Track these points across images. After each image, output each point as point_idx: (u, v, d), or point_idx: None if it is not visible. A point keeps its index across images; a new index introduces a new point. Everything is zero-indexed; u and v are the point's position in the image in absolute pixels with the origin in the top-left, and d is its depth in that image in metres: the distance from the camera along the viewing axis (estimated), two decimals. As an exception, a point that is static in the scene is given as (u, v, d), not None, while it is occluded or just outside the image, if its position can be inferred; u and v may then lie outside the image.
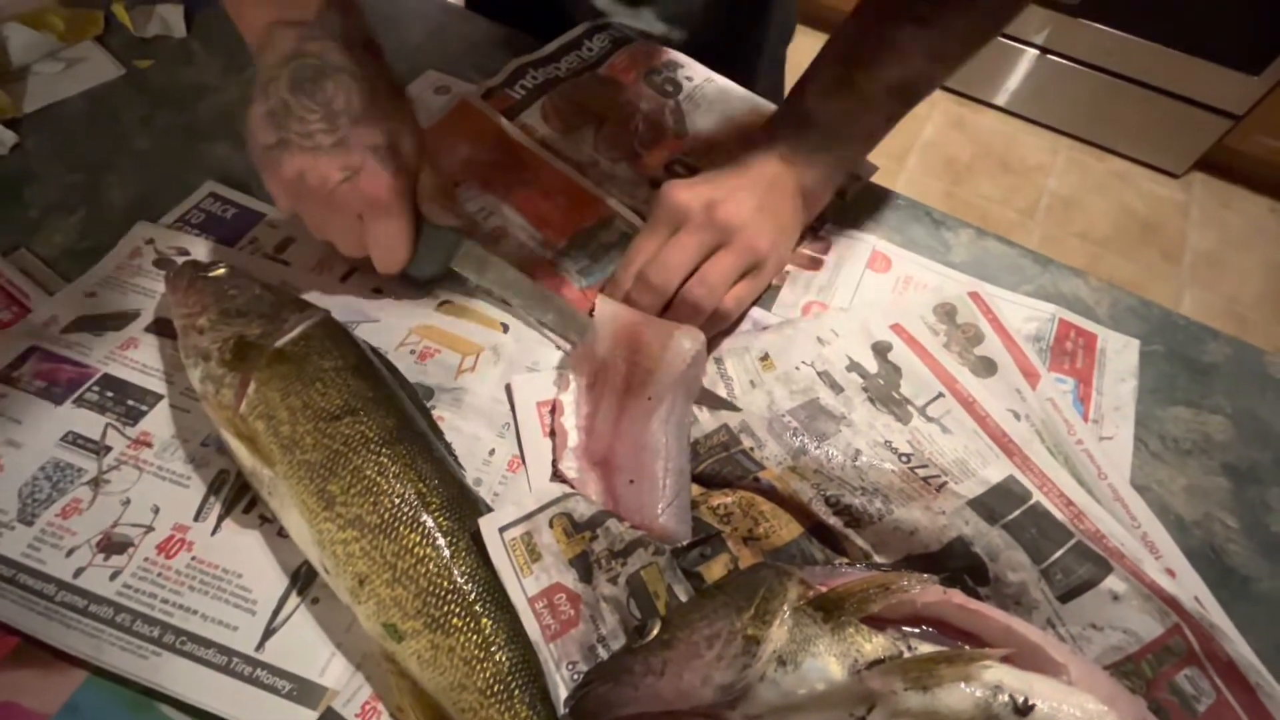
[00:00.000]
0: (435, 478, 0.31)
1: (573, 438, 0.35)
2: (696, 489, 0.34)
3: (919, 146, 1.85)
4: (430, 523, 0.30)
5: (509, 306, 0.40)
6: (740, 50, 0.58)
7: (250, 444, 0.31)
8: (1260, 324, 1.58)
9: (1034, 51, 1.75)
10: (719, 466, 0.34)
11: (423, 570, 0.29)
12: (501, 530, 0.30)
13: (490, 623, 0.28)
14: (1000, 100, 1.89)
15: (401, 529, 0.29)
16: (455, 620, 0.28)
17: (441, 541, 0.29)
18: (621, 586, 0.31)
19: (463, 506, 0.31)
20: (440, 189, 0.38)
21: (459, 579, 0.29)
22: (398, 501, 0.30)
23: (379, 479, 0.30)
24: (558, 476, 0.35)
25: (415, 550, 0.29)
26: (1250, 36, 1.51)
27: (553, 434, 0.36)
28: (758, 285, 0.39)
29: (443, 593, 0.28)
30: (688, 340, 0.35)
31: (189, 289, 0.35)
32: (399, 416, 0.32)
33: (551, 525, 0.31)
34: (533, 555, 0.31)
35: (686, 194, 0.37)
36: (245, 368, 0.32)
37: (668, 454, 0.33)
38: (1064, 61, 1.73)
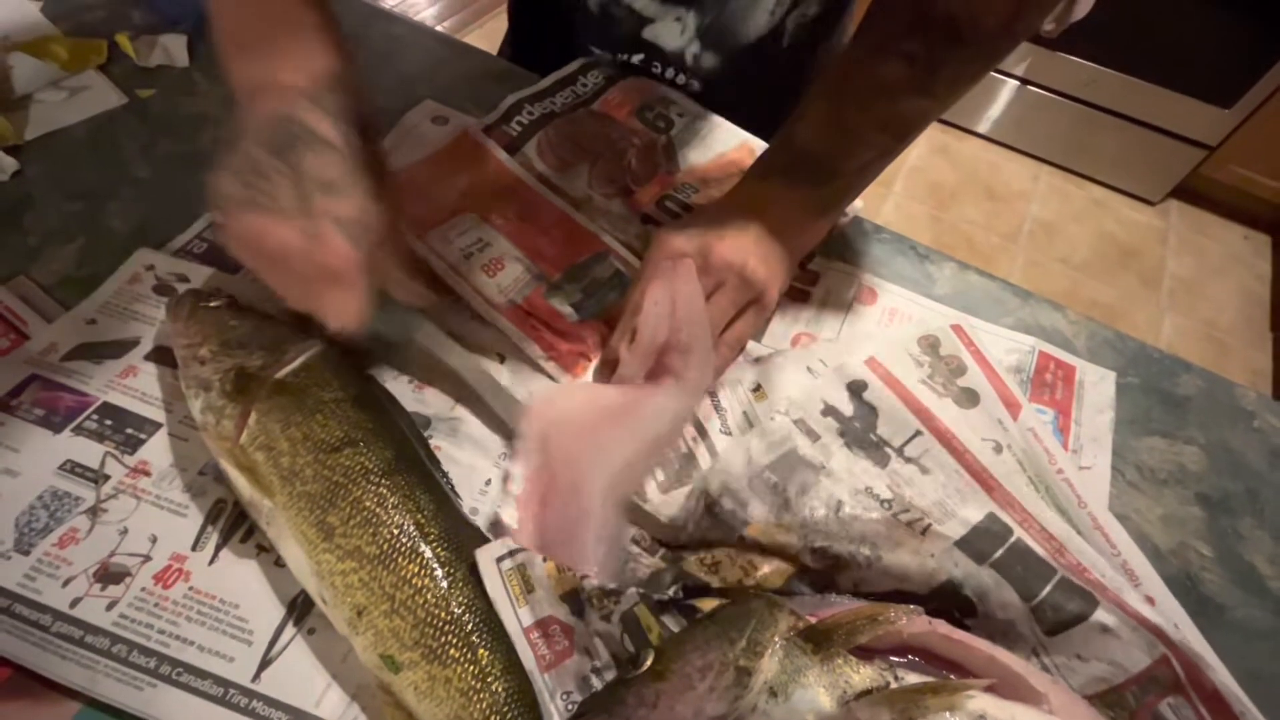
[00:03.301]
0: (433, 508, 0.31)
1: (517, 485, 0.36)
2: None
3: (905, 172, 1.89)
4: (428, 553, 0.30)
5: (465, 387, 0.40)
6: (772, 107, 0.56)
7: (250, 475, 0.31)
8: (1238, 349, 1.62)
9: (1015, 82, 1.80)
10: (703, 534, 0.35)
11: (420, 601, 0.29)
12: (498, 560, 0.31)
13: (487, 653, 0.29)
14: (983, 128, 1.94)
15: (400, 560, 0.30)
16: (453, 651, 0.28)
17: (439, 572, 0.30)
18: (615, 624, 0.31)
19: (460, 537, 0.31)
20: (408, 267, 0.37)
21: (456, 610, 0.29)
22: (396, 533, 0.30)
23: (378, 510, 0.30)
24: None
25: (413, 581, 0.29)
26: (1222, 70, 1.57)
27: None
28: (757, 320, 0.40)
29: (440, 623, 0.29)
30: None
31: (190, 319, 0.36)
32: (398, 448, 0.33)
33: (545, 559, 0.32)
34: (527, 586, 0.31)
35: (680, 240, 0.38)
36: (246, 399, 0.33)
37: (601, 523, 0.33)
38: (1044, 92, 1.79)
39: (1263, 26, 1.47)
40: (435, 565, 0.30)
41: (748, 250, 0.38)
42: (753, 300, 0.39)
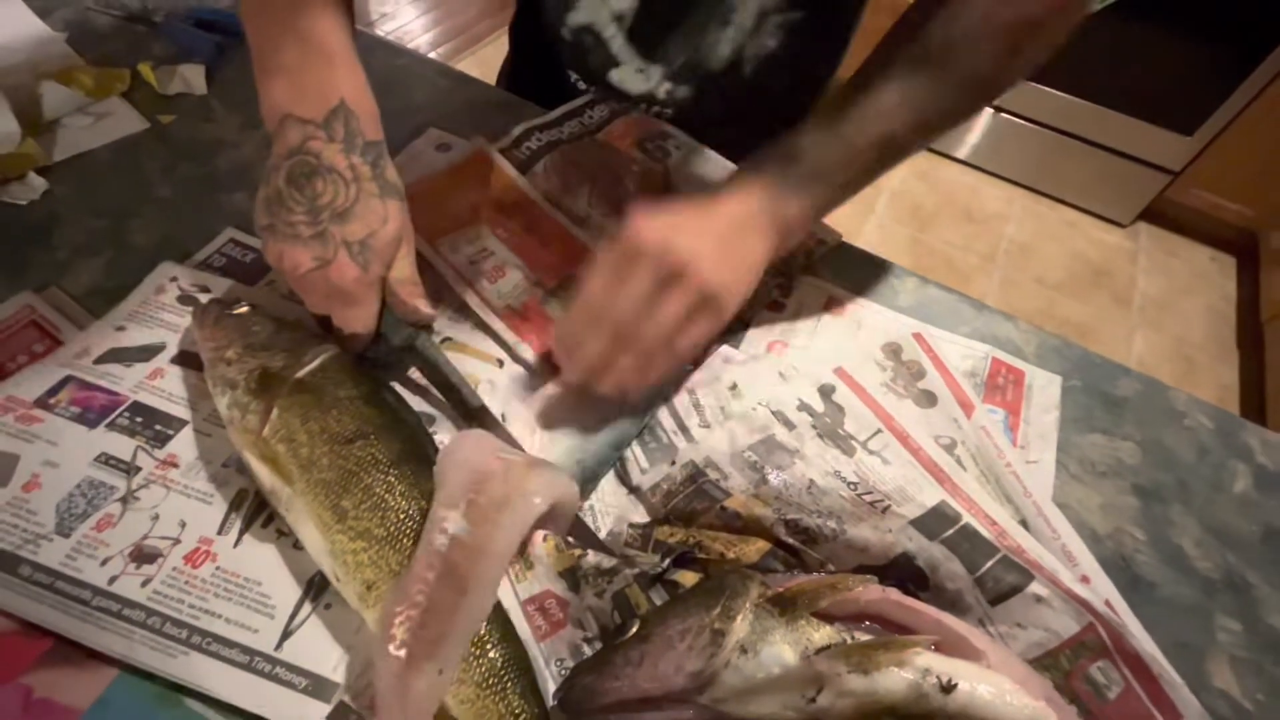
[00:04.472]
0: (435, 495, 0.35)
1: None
2: (667, 529, 0.38)
3: (887, 195, 1.95)
4: None
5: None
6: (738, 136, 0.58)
7: (272, 464, 0.34)
8: (1206, 365, 1.68)
9: (990, 110, 1.89)
10: (688, 502, 0.38)
11: None
12: None
13: (484, 624, 0.32)
14: (961, 154, 2.02)
15: (404, 541, 0.32)
16: None
17: None
18: (607, 600, 0.34)
19: None
20: (410, 284, 0.41)
21: None
22: (402, 517, 0.33)
23: (386, 496, 0.33)
24: None
25: None
26: (1183, 100, 1.65)
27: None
28: (712, 324, 0.39)
29: None
30: (538, 497, 0.34)
31: (216, 325, 0.39)
32: (405, 440, 0.36)
33: (545, 539, 0.35)
34: (526, 564, 0.35)
35: (646, 231, 0.37)
36: (269, 396, 0.36)
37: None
38: (1018, 120, 1.87)
39: (1220, 59, 1.55)
40: None
41: (704, 254, 0.37)
42: (706, 302, 0.38)
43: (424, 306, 0.41)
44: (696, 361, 0.45)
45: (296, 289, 0.39)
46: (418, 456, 0.36)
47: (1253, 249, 1.82)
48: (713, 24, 0.56)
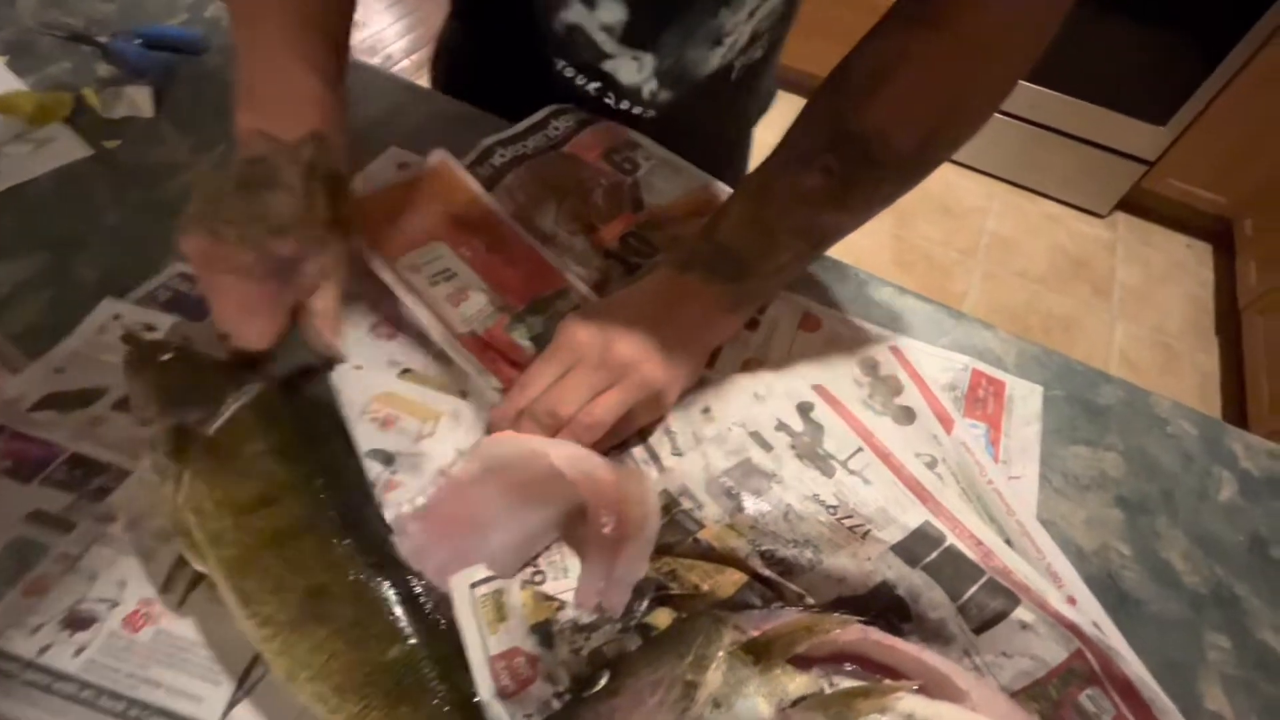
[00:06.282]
0: (345, 564, 0.31)
1: (422, 498, 0.36)
2: None
3: (866, 192, 1.95)
4: (338, 617, 0.30)
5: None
6: (716, 129, 0.59)
7: (186, 539, 0.31)
8: (1186, 353, 1.69)
9: (965, 105, 1.89)
10: (660, 535, 0.36)
11: (336, 666, 0.29)
12: (473, 586, 0.32)
13: (409, 709, 0.29)
14: (938, 149, 2.02)
15: (310, 625, 0.29)
16: (373, 714, 0.28)
17: (351, 635, 0.30)
18: (583, 658, 0.32)
19: (370, 590, 0.31)
20: (330, 320, 0.40)
21: (371, 671, 0.29)
22: (304, 596, 0.30)
23: (285, 574, 0.30)
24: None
25: (325, 646, 0.29)
26: (1156, 91, 1.66)
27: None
28: (647, 416, 0.40)
29: (357, 686, 0.29)
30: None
31: (137, 377, 0.36)
32: (312, 503, 0.32)
33: (523, 588, 0.33)
34: (499, 614, 0.33)
35: (584, 332, 0.39)
36: (183, 458, 0.32)
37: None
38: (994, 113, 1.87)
39: (1190, 49, 1.57)
40: (347, 628, 0.30)
41: (649, 351, 0.39)
42: (647, 398, 0.39)
43: (337, 344, 0.41)
44: None
45: (207, 289, 0.38)
46: (323, 519, 0.32)
47: (1227, 236, 1.83)
48: (705, 43, 0.55)
